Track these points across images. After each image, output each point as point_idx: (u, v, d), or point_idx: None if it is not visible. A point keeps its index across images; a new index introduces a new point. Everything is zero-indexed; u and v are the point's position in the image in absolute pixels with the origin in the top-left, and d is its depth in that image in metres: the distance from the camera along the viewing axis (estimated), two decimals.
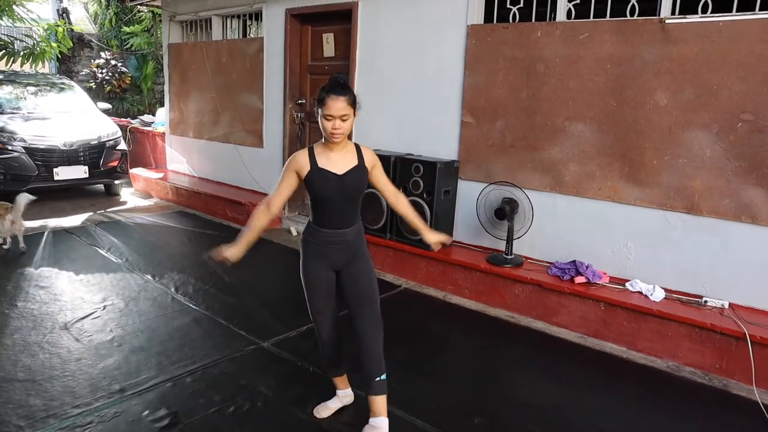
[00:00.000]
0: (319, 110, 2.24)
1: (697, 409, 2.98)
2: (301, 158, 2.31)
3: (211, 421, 2.58)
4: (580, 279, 3.82)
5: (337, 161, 2.32)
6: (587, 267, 3.88)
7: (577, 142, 4.03)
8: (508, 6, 4.33)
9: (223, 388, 2.87)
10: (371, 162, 2.40)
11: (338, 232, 2.37)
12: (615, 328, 3.62)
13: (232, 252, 2.41)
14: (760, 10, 3.30)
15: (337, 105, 2.19)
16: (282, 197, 2.40)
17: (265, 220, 2.44)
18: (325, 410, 2.66)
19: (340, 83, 2.24)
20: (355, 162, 2.35)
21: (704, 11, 3.51)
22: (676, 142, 3.63)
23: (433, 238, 2.59)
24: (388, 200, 2.56)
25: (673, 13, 3.63)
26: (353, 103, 2.26)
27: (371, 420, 2.41)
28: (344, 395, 2.71)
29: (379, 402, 2.39)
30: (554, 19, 4.13)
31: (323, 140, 2.32)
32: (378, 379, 2.37)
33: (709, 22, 3.44)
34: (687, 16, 3.53)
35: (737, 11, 3.39)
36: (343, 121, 2.22)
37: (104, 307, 3.83)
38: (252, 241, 2.45)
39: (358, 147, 2.41)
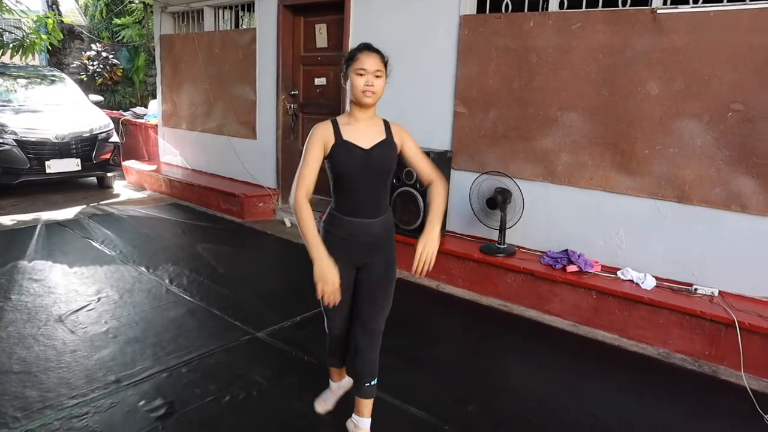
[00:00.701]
0: (350, 68, 2.05)
1: (687, 394, 3.03)
2: (326, 129, 2.09)
3: (207, 410, 2.60)
4: (572, 268, 3.86)
5: (363, 134, 2.11)
6: (579, 256, 3.91)
7: (569, 131, 4.05)
8: None
9: (218, 377, 2.88)
10: (400, 137, 2.17)
11: (365, 222, 2.14)
12: (607, 316, 3.66)
13: (330, 271, 2.01)
14: (751, 0, 3.32)
15: (371, 59, 2.03)
16: (313, 172, 2.07)
17: (311, 211, 2.06)
18: (322, 405, 2.63)
19: (372, 45, 2.09)
20: (382, 136, 2.14)
21: (695, 1, 3.53)
22: (667, 132, 3.65)
23: (420, 247, 2.06)
24: (422, 177, 2.23)
25: (664, 3, 3.66)
26: (386, 64, 2.09)
27: (354, 417, 2.36)
28: (338, 388, 2.65)
29: (366, 404, 2.32)
30: (546, 9, 4.14)
31: (347, 111, 2.15)
32: (368, 384, 2.27)
33: (700, 12, 3.46)
34: (678, 6, 3.54)
35: (728, 1, 3.41)
36: (377, 77, 2.04)
37: (99, 299, 3.83)
38: (320, 240, 2.08)
39: (386, 122, 2.19)
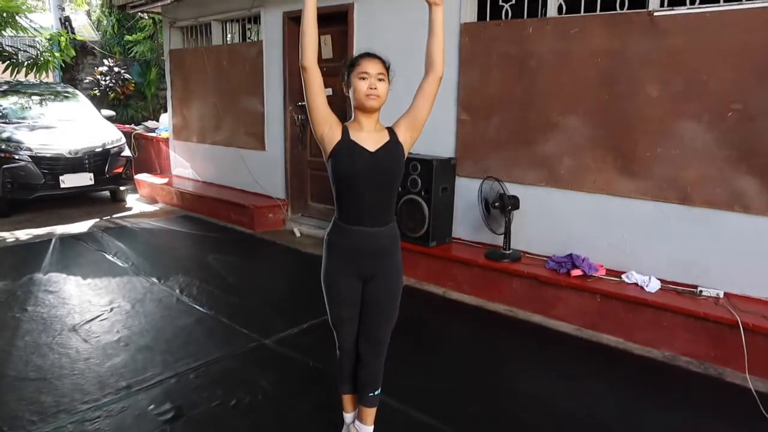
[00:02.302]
0: (351, 74, 2.03)
1: (693, 397, 3.03)
2: (337, 123, 2.07)
3: (214, 414, 2.67)
4: (576, 272, 3.87)
5: (368, 138, 2.06)
6: (583, 260, 3.93)
7: (571, 135, 4.08)
8: (500, 3, 4.39)
9: (225, 383, 2.95)
10: (403, 129, 2.13)
11: (370, 231, 2.09)
12: (612, 320, 3.67)
13: None
14: (746, 0, 3.35)
15: (373, 63, 2.02)
16: (319, 79, 2.00)
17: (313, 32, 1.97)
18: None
19: (372, 52, 2.08)
20: (387, 138, 2.09)
21: (692, 2, 3.56)
22: (667, 134, 3.67)
23: None
24: (427, 65, 2.15)
25: (661, 5, 3.68)
26: (388, 68, 2.08)
27: (357, 423, 2.36)
28: (352, 420, 2.43)
29: (369, 412, 2.32)
30: (545, 14, 4.19)
31: (352, 118, 2.12)
32: (371, 394, 2.26)
33: (696, 14, 3.49)
34: (675, 8, 3.57)
35: (724, 1, 3.43)
36: (380, 80, 2.01)
37: (111, 310, 3.92)
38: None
39: (389, 128, 2.15)
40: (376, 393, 2.29)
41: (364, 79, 2.00)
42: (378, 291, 2.17)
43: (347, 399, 2.43)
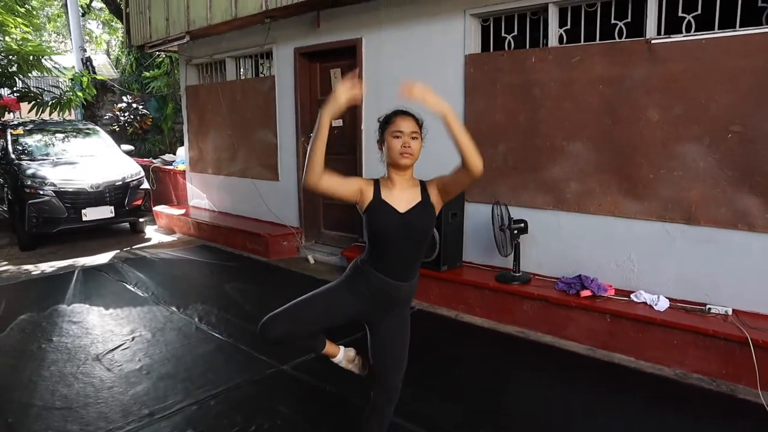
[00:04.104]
0: (385, 132, 2.09)
1: (705, 414, 3.06)
2: (369, 185, 2.11)
3: None
4: (585, 293, 3.93)
5: (400, 197, 2.09)
6: (592, 281, 3.99)
7: (576, 160, 4.19)
8: (503, 34, 4.56)
9: (244, 409, 3.04)
10: (436, 191, 2.13)
11: (393, 283, 2.12)
12: (622, 339, 3.71)
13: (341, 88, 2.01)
14: (740, 27, 3.46)
15: (406, 122, 2.07)
16: (331, 182, 2.03)
17: (320, 155, 1.97)
18: (355, 366, 2.49)
19: (406, 109, 2.11)
20: (418, 198, 2.11)
21: (688, 30, 3.68)
22: (670, 156, 3.76)
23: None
24: (462, 164, 2.03)
25: (658, 33, 3.81)
26: (421, 125, 2.12)
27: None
28: (342, 357, 2.43)
29: None
30: (547, 44, 4.34)
31: (385, 175, 2.15)
32: None
33: (692, 41, 3.61)
34: (672, 36, 3.70)
35: (719, 29, 3.55)
36: (413, 139, 2.06)
37: (133, 339, 4.05)
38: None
39: (423, 183, 2.16)
40: None
41: (397, 137, 2.05)
42: (393, 342, 2.21)
43: (327, 349, 2.38)
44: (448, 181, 2.13)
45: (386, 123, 2.10)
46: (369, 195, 2.09)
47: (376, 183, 2.13)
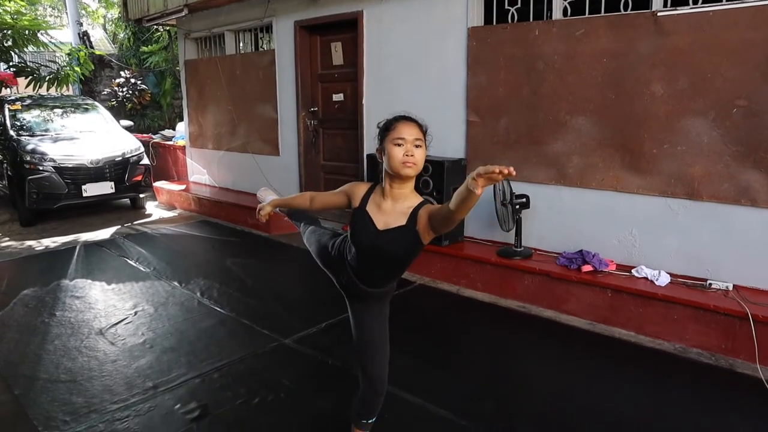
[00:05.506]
0: (385, 139, 1.89)
1: (704, 388, 3.08)
2: (360, 189, 2.02)
3: (238, 412, 2.79)
4: (587, 268, 3.94)
5: (385, 212, 1.93)
6: (594, 256, 3.99)
7: (579, 135, 4.15)
8: (507, 7, 4.48)
9: (248, 382, 3.07)
10: (424, 222, 1.84)
11: (361, 287, 2.06)
12: (623, 314, 3.73)
13: (265, 208, 2.49)
14: None
15: (409, 128, 1.87)
16: (324, 202, 2.20)
17: (302, 203, 2.32)
18: None
19: (408, 114, 1.96)
20: (403, 221, 1.89)
21: (694, 2, 3.62)
22: (674, 131, 3.73)
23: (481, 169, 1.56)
24: (448, 210, 1.69)
25: (665, 5, 3.74)
26: (425, 132, 1.92)
27: None
28: None
29: None
30: (551, 17, 4.27)
31: (384, 182, 1.96)
32: (365, 421, 2.21)
33: (699, 13, 3.55)
34: (678, 8, 3.63)
35: (726, 0, 3.49)
36: (417, 147, 1.86)
37: (135, 313, 4.07)
38: (281, 205, 2.52)
39: (419, 206, 1.90)
40: (371, 420, 2.24)
41: (399, 145, 1.85)
42: (373, 331, 2.13)
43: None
44: (434, 216, 1.81)
45: (386, 129, 1.91)
46: (357, 201, 2.00)
47: (370, 189, 2.02)
